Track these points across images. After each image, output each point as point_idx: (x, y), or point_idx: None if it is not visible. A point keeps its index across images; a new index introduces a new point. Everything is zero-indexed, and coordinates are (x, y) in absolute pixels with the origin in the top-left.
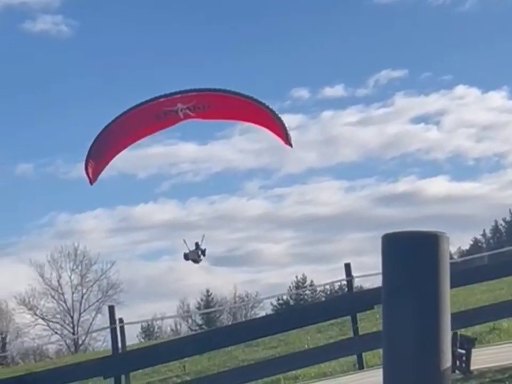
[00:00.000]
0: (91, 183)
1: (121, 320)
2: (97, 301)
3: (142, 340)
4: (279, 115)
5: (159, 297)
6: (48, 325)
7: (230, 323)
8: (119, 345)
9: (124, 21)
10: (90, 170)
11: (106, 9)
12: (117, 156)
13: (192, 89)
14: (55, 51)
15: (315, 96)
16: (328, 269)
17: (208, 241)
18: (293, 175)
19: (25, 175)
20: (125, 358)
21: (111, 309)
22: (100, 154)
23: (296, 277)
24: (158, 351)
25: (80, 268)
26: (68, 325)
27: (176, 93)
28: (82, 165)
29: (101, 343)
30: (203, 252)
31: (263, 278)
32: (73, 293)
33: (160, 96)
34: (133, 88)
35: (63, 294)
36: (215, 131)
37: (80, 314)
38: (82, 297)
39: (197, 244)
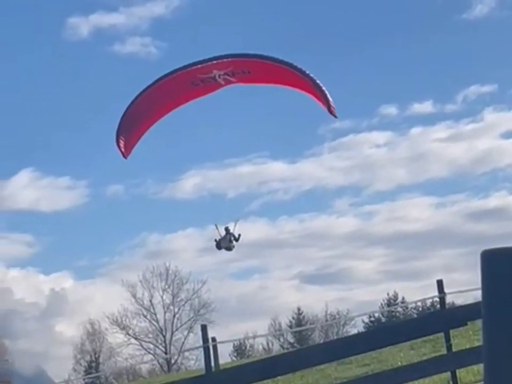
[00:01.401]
0: (125, 156)
1: (213, 339)
2: (189, 320)
3: (234, 359)
4: (320, 84)
5: (250, 315)
6: (140, 345)
7: (321, 341)
8: (212, 364)
9: (211, 43)
10: (122, 144)
11: (194, 30)
12: (154, 125)
13: (228, 54)
14: (144, 73)
15: (403, 113)
16: (420, 285)
17: (299, 259)
18: (382, 191)
19: (116, 196)
20: (218, 376)
21: (204, 328)
22: (133, 125)
23: (388, 294)
24: (251, 370)
25: (171, 287)
26: (160, 344)
27: (210, 59)
28: (172, 185)
29: (194, 362)
30: (236, 238)
31: (354, 295)
32: (165, 312)
33: (194, 63)
34: None
35: (155, 313)
36: (304, 149)
37: (172, 333)
38: (174, 316)
39: (227, 230)
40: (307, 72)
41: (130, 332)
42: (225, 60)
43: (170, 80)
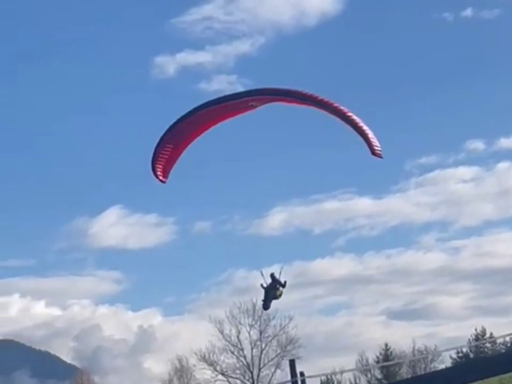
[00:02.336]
0: (163, 181)
1: (302, 374)
2: (276, 356)
3: None
4: (363, 126)
5: (337, 351)
6: (228, 381)
7: (409, 377)
8: None
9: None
10: (160, 169)
11: (279, 68)
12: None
13: (266, 90)
14: None
15: (490, 148)
16: (508, 321)
17: (386, 295)
18: (469, 227)
19: (203, 233)
20: None
21: (292, 363)
22: (169, 150)
23: (475, 329)
24: None
25: (258, 323)
26: (248, 380)
27: (247, 94)
28: (259, 221)
29: None
30: (282, 284)
31: (441, 331)
32: (252, 348)
33: (231, 97)
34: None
35: (242, 349)
36: (391, 185)
37: (259, 369)
38: (261, 352)
39: (272, 276)
40: (349, 113)
41: (217, 368)
42: (261, 96)
43: (204, 112)
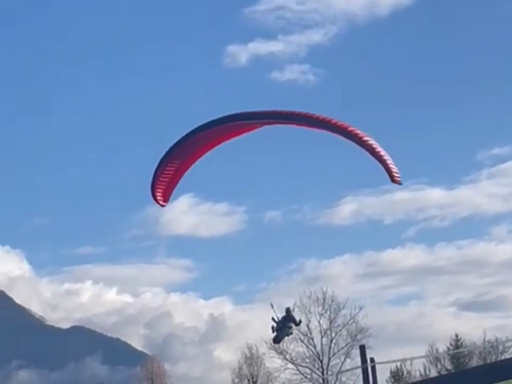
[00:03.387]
0: (163, 205)
1: (372, 360)
2: (346, 345)
3: None
4: (381, 152)
5: (407, 342)
6: (297, 369)
7: None
8: None
9: (366, 70)
10: (160, 191)
11: (351, 58)
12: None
13: (276, 114)
14: (302, 100)
15: None
16: None
17: (456, 286)
18: None
19: (273, 222)
20: None
21: (362, 349)
22: (171, 172)
23: None
24: None
25: (328, 312)
26: (318, 369)
27: (254, 118)
28: (329, 211)
29: None
30: (297, 323)
31: None
32: (322, 337)
33: (237, 119)
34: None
35: (312, 338)
36: (463, 176)
37: (329, 358)
38: (331, 341)
39: (288, 311)
40: (365, 138)
41: (287, 356)
42: (272, 120)
43: (207, 134)
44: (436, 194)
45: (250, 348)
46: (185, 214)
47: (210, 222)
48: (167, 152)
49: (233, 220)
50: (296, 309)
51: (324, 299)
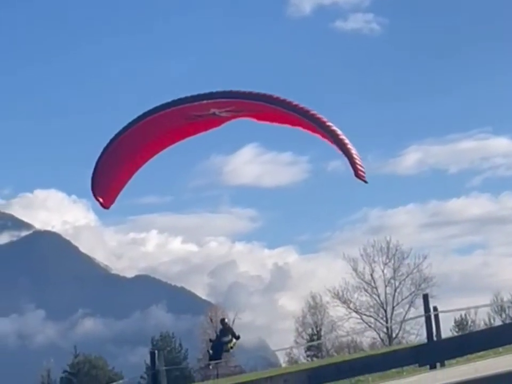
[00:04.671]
0: (105, 206)
1: (435, 309)
2: (410, 294)
3: (456, 334)
4: (347, 143)
5: (472, 291)
6: (361, 318)
7: None
8: (434, 333)
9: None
10: (102, 193)
11: (415, 6)
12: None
13: (228, 93)
14: (366, 49)
15: None
16: None
17: None
18: None
19: (337, 172)
20: (440, 346)
21: (425, 298)
22: (115, 168)
23: None
24: (473, 340)
25: (392, 261)
26: (381, 318)
27: (206, 97)
28: (393, 161)
29: (415, 337)
30: (236, 337)
31: None
32: (386, 287)
33: (187, 100)
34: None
35: (376, 287)
36: None
37: (393, 307)
38: (395, 290)
39: (223, 322)
40: (330, 125)
41: (351, 305)
42: (224, 99)
43: (158, 118)
44: (501, 143)
45: (314, 297)
46: (249, 163)
47: (274, 171)
48: (110, 144)
49: (297, 169)
50: (360, 258)
51: (388, 248)
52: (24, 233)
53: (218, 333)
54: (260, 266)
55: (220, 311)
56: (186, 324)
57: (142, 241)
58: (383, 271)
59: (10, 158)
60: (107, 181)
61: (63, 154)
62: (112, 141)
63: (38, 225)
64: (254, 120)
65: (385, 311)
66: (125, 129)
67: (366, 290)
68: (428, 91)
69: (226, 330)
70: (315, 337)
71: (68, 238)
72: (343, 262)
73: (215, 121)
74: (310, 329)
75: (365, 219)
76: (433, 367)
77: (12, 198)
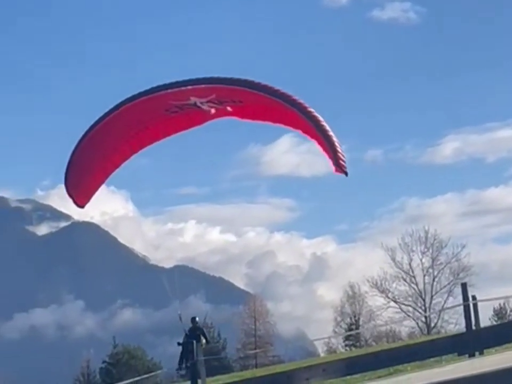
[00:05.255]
0: (81, 206)
1: (474, 298)
2: (449, 283)
3: (494, 323)
4: (329, 132)
5: (511, 280)
6: (400, 308)
7: None
8: (473, 322)
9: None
10: (78, 188)
11: None
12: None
13: (208, 79)
14: (404, 38)
15: None
16: None
17: None
18: None
19: (374, 161)
20: (478, 335)
21: (464, 286)
22: (92, 166)
23: None
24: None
25: (430, 251)
26: (420, 307)
27: (185, 84)
28: (431, 150)
29: (453, 326)
30: (207, 340)
31: None
32: (424, 276)
33: (164, 87)
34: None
35: (414, 277)
36: None
37: (432, 297)
38: (433, 280)
39: (194, 321)
40: (311, 111)
41: (389, 295)
42: (203, 85)
43: (136, 106)
44: None
45: (352, 287)
46: (286, 153)
47: (311, 161)
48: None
49: None
50: (398, 247)
51: (426, 238)
52: (63, 224)
53: (187, 332)
54: (298, 256)
55: (258, 301)
56: (225, 313)
57: (180, 232)
58: (421, 261)
59: (51, 149)
60: (83, 179)
61: None
62: (86, 133)
63: (77, 216)
64: (237, 118)
65: (424, 300)
66: (101, 119)
67: (404, 280)
68: (466, 77)
69: (196, 330)
70: (353, 326)
71: (106, 228)
72: (381, 252)
73: (197, 115)
74: (348, 319)
75: (403, 208)
76: (472, 356)
77: (51, 189)
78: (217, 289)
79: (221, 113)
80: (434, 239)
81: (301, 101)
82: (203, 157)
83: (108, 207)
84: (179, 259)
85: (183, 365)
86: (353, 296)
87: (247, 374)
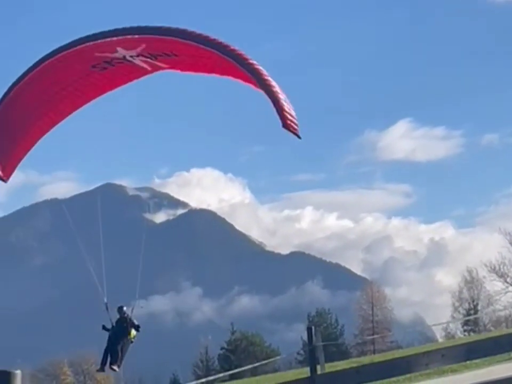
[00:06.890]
0: (2, 179)
1: None
2: None
3: None
4: (273, 83)
5: None
6: None
7: None
8: None
9: None
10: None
11: None
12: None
13: (135, 28)
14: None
15: None
16: None
17: None
18: None
19: (491, 145)
20: None
21: None
22: (13, 137)
23: None
24: None
25: None
26: None
27: (110, 35)
28: None
29: None
30: (136, 327)
31: None
32: None
33: (85, 39)
34: None
35: None
36: None
37: None
38: None
39: (121, 310)
40: (253, 63)
41: (508, 279)
42: (130, 36)
43: (56, 65)
44: None
45: (470, 272)
46: (402, 138)
47: (427, 146)
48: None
49: (450, 143)
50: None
51: None
52: (180, 211)
53: (113, 324)
54: (415, 241)
55: (375, 287)
56: (342, 299)
57: (297, 218)
58: None
59: (168, 138)
60: (4, 149)
61: (220, 134)
62: (4, 97)
63: (194, 203)
64: (175, 71)
65: None
66: (18, 81)
67: None
68: None
69: (123, 320)
70: (472, 311)
71: (223, 216)
72: (500, 236)
73: (132, 70)
74: (466, 304)
75: None
76: None
77: (168, 178)
78: (334, 275)
79: (155, 68)
80: None
81: (241, 51)
82: (318, 144)
83: (225, 194)
84: (295, 245)
85: (104, 366)
86: (471, 281)
87: (365, 359)
